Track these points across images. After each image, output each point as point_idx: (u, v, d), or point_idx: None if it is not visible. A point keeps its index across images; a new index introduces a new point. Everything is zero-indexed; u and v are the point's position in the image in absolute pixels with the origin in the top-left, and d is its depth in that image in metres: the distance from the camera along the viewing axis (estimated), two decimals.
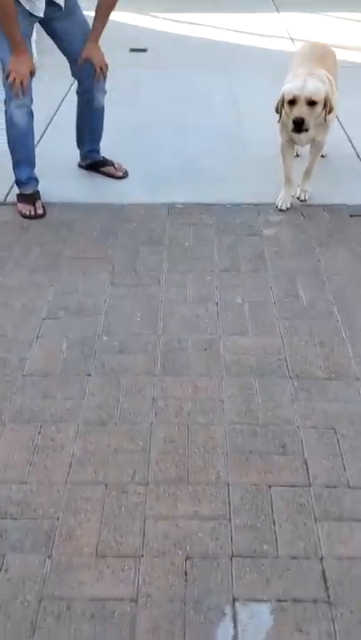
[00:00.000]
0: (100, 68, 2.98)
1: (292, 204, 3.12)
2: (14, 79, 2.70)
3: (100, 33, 2.93)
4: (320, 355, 2.21)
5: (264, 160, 3.48)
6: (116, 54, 5.27)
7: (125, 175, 3.39)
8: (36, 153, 3.10)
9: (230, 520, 1.65)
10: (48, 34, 2.96)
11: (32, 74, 2.77)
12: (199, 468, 1.81)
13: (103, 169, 3.39)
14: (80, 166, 3.46)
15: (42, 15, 2.74)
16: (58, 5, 2.79)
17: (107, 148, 3.58)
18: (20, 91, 2.74)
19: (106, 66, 3.00)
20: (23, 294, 2.51)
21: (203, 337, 2.30)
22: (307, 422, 1.96)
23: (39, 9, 2.72)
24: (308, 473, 1.80)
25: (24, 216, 3.01)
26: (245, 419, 1.97)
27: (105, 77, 3.03)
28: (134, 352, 2.22)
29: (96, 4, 2.88)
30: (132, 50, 5.39)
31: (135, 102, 4.38)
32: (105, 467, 1.81)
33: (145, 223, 3.00)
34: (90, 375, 2.12)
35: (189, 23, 6.29)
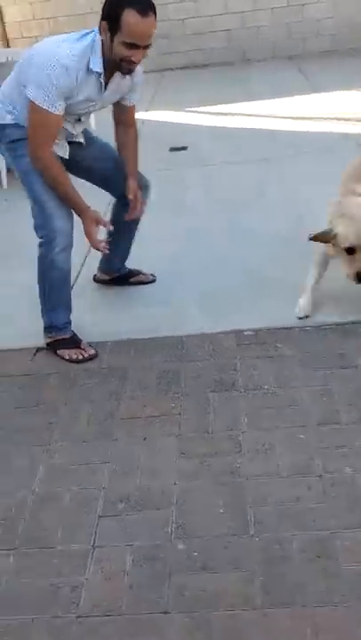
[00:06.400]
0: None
1: None
2: (96, 247, 2.50)
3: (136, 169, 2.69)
4: None
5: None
6: (156, 155, 5.05)
7: (154, 279, 3.15)
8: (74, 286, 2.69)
9: None
10: (76, 173, 2.63)
11: (102, 224, 2.48)
12: None
13: (133, 279, 3.13)
14: (96, 280, 3.15)
15: (67, 156, 2.50)
16: (79, 143, 2.59)
17: (154, 263, 3.19)
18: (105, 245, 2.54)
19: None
20: (72, 479, 2.00)
21: (311, 535, 1.71)
22: None
23: (65, 150, 2.50)
24: None
25: (74, 361, 2.58)
26: None
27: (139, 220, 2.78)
28: (222, 568, 1.64)
29: (117, 147, 2.67)
30: (172, 149, 5.13)
31: (181, 206, 4.02)
32: None
33: (211, 360, 2.50)
34: (167, 613, 1.55)
35: (225, 114, 6.06)
